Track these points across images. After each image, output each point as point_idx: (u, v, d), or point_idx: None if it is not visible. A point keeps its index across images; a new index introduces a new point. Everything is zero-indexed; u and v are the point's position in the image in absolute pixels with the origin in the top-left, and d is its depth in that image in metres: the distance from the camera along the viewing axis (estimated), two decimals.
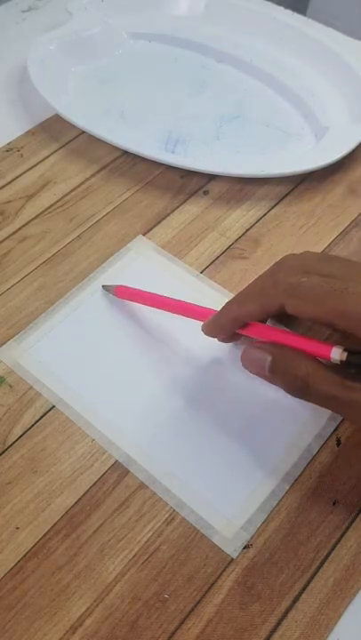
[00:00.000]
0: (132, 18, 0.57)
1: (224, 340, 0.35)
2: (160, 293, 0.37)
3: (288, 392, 0.30)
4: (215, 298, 0.39)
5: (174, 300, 0.36)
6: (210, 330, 0.34)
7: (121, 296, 0.38)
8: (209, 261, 0.42)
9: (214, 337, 0.34)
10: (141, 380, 0.36)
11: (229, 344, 0.37)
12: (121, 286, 0.38)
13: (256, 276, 0.39)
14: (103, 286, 0.39)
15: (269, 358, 0.30)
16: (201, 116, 0.50)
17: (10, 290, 0.40)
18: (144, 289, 0.38)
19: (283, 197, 0.45)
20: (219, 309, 0.33)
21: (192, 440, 0.34)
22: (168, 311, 0.36)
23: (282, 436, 0.34)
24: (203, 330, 0.34)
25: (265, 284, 0.31)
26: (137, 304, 0.38)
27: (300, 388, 0.30)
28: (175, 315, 0.36)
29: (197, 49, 0.55)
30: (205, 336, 0.34)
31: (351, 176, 0.47)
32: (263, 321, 0.33)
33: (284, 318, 0.37)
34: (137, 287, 0.38)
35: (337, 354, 0.29)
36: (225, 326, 0.33)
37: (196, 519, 0.31)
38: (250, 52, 0.54)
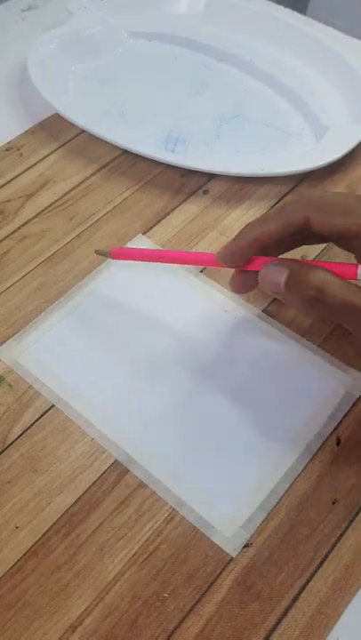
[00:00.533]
0: (132, 17, 0.57)
1: (237, 284, 0.34)
2: (156, 295, 0.36)
3: (303, 308, 0.29)
4: (215, 297, 0.39)
5: (172, 251, 0.35)
6: (225, 255, 0.32)
7: (118, 257, 0.37)
8: None
9: (229, 265, 0.33)
10: (141, 379, 0.36)
11: (227, 342, 0.37)
12: (117, 247, 0.37)
13: None
14: (96, 251, 0.38)
15: (286, 273, 0.30)
16: (201, 116, 0.50)
17: (9, 289, 0.40)
18: (144, 289, 0.38)
19: (283, 197, 0.45)
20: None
21: (192, 439, 0.34)
22: (169, 262, 0.35)
23: (282, 435, 0.34)
24: (218, 257, 0.33)
25: (287, 203, 0.31)
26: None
27: (315, 299, 0.28)
28: (178, 264, 0.35)
29: (197, 48, 0.55)
30: (202, 335, 0.34)
31: (351, 176, 0.47)
32: (282, 246, 0.32)
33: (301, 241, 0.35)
34: (135, 281, 0.38)
35: None
36: (242, 249, 0.32)
37: (195, 518, 0.31)
38: (250, 52, 0.54)
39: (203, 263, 0.35)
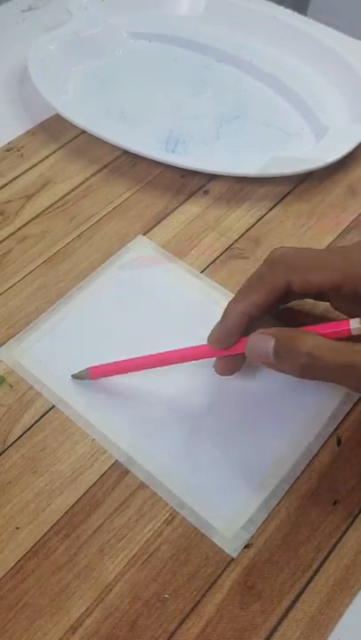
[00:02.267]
0: (133, 18, 0.57)
1: (223, 367, 0.34)
2: (157, 296, 0.36)
3: (296, 374, 0.29)
4: (216, 297, 0.39)
5: (162, 353, 0.34)
6: (218, 337, 0.32)
7: (94, 377, 0.35)
8: (209, 261, 0.41)
9: (223, 346, 0.32)
10: (141, 379, 0.36)
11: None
12: (89, 368, 0.35)
13: None
14: (73, 376, 0.35)
15: (272, 342, 0.29)
16: (201, 116, 0.50)
17: (10, 289, 0.40)
18: (145, 290, 0.38)
19: (283, 197, 0.45)
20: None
21: (192, 440, 0.34)
22: (160, 365, 0.34)
23: (282, 435, 0.34)
24: (210, 341, 0.32)
25: (263, 271, 0.32)
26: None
27: (306, 365, 0.28)
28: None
29: (198, 49, 0.55)
30: (202, 336, 0.34)
31: (351, 176, 0.47)
32: (271, 309, 0.32)
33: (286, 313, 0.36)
34: (135, 283, 0.37)
35: (356, 322, 0.29)
36: (233, 328, 0.32)
37: (196, 519, 0.31)
38: (250, 52, 0.54)
39: (198, 357, 0.33)
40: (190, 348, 0.33)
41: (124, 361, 0.34)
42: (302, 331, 0.30)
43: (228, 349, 0.32)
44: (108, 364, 0.35)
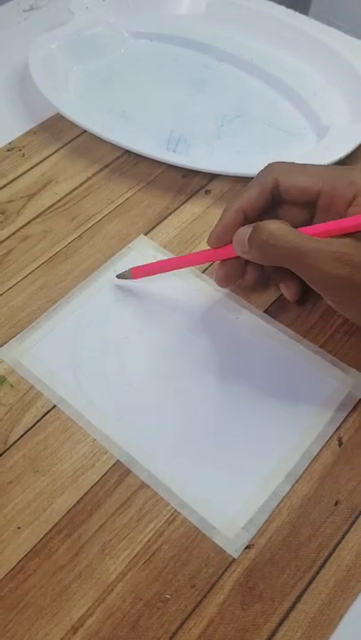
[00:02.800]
0: (134, 17, 0.57)
1: (221, 276, 0.36)
2: (158, 295, 0.37)
3: (259, 255, 0.32)
4: (217, 298, 0.39)
5: (185, 256, 0.38)
6: (216, 234, 0.35)
7: (138, 276, 0.39)
8: None
9: (221, 243, 0.35)
10: (143, 379, 0.36)
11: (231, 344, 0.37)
12: (133, 268, 0.39)
13: None
14: (117, 276, 0.39)
15: (251, 228, 0.32)
16: (202, 116, 0.50)
17: (11, 289, 0.40)
18: (146, 289, 0.38)
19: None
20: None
21: (194, 440, 0.34)
22: (187, 266, 0.38)
23: (283, 436, 0.34)
24: (209, 241, 0.35)
25: (258, 174, 0.35)
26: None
27: (265, 244, 0.31)
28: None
29: (199, 48, 0.55)
30: (203, 336, 0.34)
31: None
32: (263, 208, 0.35)
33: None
34: (136, 283, 0.38)
35: None
36: (229, 222, 0.34)
37: (197, 519, 0.31)
38: (251, 52, 0.54)
39: (217, 256, 0.36)
40: (195, 253, 0.37)
41: (159, 261, 0.39)
42: (279, 221, 0.32)
43: (226, 249, 0.35)
44: (147, 265, 0.38)
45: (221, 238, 0.35)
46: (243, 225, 0.34)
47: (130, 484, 0.32)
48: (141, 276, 0.39)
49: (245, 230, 0.33)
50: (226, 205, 0.35)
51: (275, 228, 0.31)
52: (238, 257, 0.35)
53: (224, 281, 0.37)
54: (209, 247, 0.36)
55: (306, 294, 0.38)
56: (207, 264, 0.41)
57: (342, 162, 0.46)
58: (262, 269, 0.36)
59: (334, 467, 0.33)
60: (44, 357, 0.37)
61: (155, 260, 0.40)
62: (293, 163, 0.35)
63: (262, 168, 0.35)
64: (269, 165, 0.35)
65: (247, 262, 0.36)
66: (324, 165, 0.36)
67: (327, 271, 0.30)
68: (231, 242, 0.34)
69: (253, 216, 0.35)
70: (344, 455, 0.33)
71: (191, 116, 0.50)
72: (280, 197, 0.35)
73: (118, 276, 0.39)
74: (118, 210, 0.44)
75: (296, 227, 0.32)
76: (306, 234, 0.31)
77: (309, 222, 0.35)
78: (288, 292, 0.37)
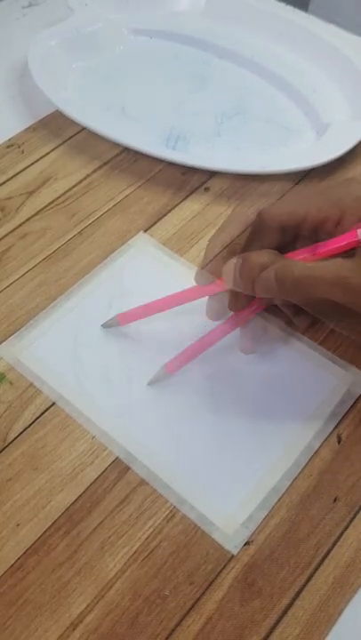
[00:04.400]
0: (133, 14, 0.57)
1: (215, 310, 0.35)
2: (158, 294, 0.36)
3: (252, 291, 0.30)
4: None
5: (172, 295, 0.36)
6: (200, 274, 0.34)
7: (124, 322, 0.37)
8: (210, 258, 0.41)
9: (206, 282, 0.34)
10: (142, 376, 0.36)
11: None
12: (120, 314, 0.37)
13: None
14: (103, 325, 0.37)
15: (239, 262, 0.30)
16: (202, 113, 0.50)
17: (10, 286, 0.40)
18: (145, 287, 0.38)
19: (284, 194, 0.45)
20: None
21: (193, 437, 0.34)
22: (174, 306, 0.36)
23: (283, 432, 0.34)
24: (197, 280, 0.34)
25: (236, 209, 0.35)
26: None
27: (257, 276, 0.29)
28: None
29: (198, 45, 0.55)
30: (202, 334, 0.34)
31: (352, 172, 0.47)
32: (248, 239, 0.33)
33: None
34: (135, 280, 0.38)
35: None
36: (211, 252, 0.34)
37: (196, 516, 0.31)
38: (251, 49, 0.54)
39: (191, 296, 0.35)
40: (182, 291, 0.35)
41: (146, 304, 0.36)
42: (267, 251, 0.30)
43: (214, 285, 0.34)
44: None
45: (207, 275, 0.34)
46: (229, 258, 0.32)
47: (129, 480, 0.32)
48: (128, 322, 0.37)
49: (234, 263, 0.31)
50: (207, 246, 0.35)
51: (264, 259, 0.29)
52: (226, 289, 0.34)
53: (214, 315, 0.36)
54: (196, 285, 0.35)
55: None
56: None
57: (343, 159, 0.46)
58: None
59: (333, 463, 0.33)
60: (44, 354, 0.37)
61: (141, 305, 0.37)
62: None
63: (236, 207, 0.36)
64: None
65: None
66: (315, 189, 0.34)
67: (326, 297, 0.28)
68: (215, 278, 0.33)
69: (238, 247, 0.33)
70: (343, 452, 0.33)
71: (191, 114, 0.50)
72: (265, 226, 0.33)
73: (104, 325, 0.37)
74: (118, 207, 0.44)
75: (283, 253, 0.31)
76: (295, 259, 0.30)
77: (293, 249, 0.33)
78: (300, 321, 0.35)
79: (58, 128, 0.49)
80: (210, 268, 0.34)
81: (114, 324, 0.37)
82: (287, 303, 0.33)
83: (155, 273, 0.40)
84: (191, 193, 0.45)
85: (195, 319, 0.38)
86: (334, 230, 0.31)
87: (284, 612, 0.29)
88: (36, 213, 0.44)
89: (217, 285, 0.34)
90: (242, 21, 0.56)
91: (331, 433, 0.34)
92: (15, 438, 0.34)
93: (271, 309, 0.36)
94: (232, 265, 0.31)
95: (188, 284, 0.40)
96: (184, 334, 0.37)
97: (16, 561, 0.30)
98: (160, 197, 0.45)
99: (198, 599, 0.29)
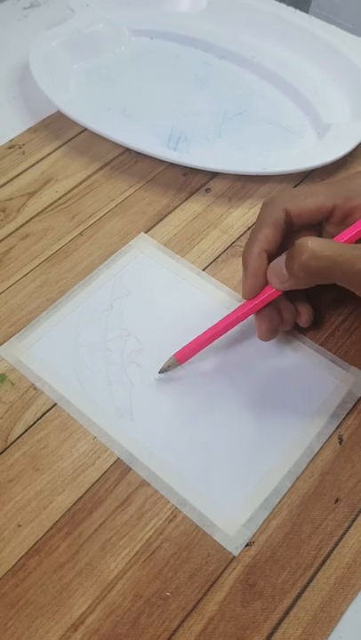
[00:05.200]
0: (134, 15, 0.57)
1: (268, 328, 0.34)
2: (159, 295, 0.36)
3: (302, 277, 0.30)
4: (217, 296, 0.39)
5: (225, 319, 0.35)
6: (249, 286, 0.33)
7: (183, 360, 0.35)
8: (211, 259, 0.41)
9: (253, 292, 0.33)
10: (143, 377, 0.36)
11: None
12: (176, 353, 0.35)
13: None
14: (160, 372, 0.35)
15: (283, 258, 0.31)
16: (203, 113, 0.50)
17: (12, 287, 0.40)
18: (146, 287, 0.38)
19: None
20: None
21: (194, 437, 0.34)
22: (230, 329, 0.35)
23: (284, 433, 0.34)
24: (244, 295, 0.34)
25: (261, 211, 0.34)
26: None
27: (306, 263, 0.29)
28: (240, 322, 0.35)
29: (199, 46, 0.55)
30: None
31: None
32: (280, 244, 0.33)
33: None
34: (137, 280, 0.38)
35: None
36: (257, 269, 0.33)
37: (198, 517, 0.31)
38: (252, 49, 0.54)
39: (249, 312, 0.34)
40: (234, 311, 0.34)
41: (198, 337, 0.35)
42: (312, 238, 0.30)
43: (263, 296, 0.33)
44: (188, 345, 0.35)
45: (255, 287, 0.33)
46: (267, 264, 0.33)
47: (130, 481, 0.32)
48: (187, 359, 0.35)
49: (279, 261, 0.32)
50: (243, 254, 0.34)
51: (313, 244, 0.29)
52: (273, 306, 0.34)
53: (268, 334, 0.35)
54: (244, 300, 0.34)
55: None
56: (209, 261, 0.41)
57: (344, 160, 0.46)
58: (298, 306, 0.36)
59: (335, 464, 0.33)
60: (45, 355, 0.37)
61: (193, 338, 0.35)
62: (294, 189, 0.34)
63: (264, 204, 0.34)
64: (272, 199, 0.34)
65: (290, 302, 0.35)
66: (325, 182, 0.35)
67: None
68: (264, 287, 0.33)
69: (275, 254, 0.33)
70: (345, 453, 0.33)
71: (192, 114, 0.50)
72: (292, 226, 0.34)
73: (161, 371, 0.35)
74: (119, 208, 0.44)
75: None
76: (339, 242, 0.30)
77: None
78: (301, 318, 0.36)
79: (59, 129, 0.49)
80: (254, 280, 0.33)
81: (172, 365, 0.35)
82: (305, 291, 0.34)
83: (156, 274, 0.40)
84: (192, 194, 0.45)
85: (193, 319, 0.38)
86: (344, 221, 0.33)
87: (286, 613, 0.29)
88: (37, 214, 0.44)
89: (266, 294, 0.33)
90: (243, 22, 0.56)
91: (332, 434, 0.34)
92: (16, 439, 0.34)
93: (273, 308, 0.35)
94: (277, 264, 0.32)
95: (189, 284, 0.40)
96: (187, 330, 0.37)
97: (17, 562, 0.30)
98: (161, 198, 0.45)
99: (200, 600, 0.29)
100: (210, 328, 0.35)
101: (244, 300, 0.34)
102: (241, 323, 0.35)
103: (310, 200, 0.33)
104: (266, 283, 0.33)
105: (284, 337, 0.37)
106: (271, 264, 0.32)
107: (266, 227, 0.33)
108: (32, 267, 0.41)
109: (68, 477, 0.32)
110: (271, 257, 0.33)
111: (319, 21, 0.55)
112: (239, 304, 0.39)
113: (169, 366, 0.35)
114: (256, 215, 0.44)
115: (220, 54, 0.55)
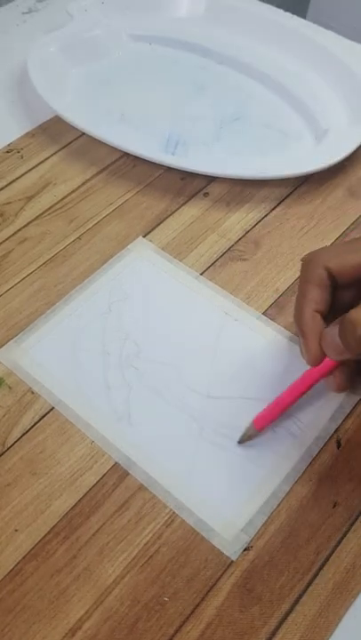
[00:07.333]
0: (133, 20, 0.57)
1: (340, 382, 0.32)
2: (157, 299, 0.36)
3: (359, 351, 0.29)
4: (214, 300, 0.39)
5: (295, 385, 0.33)
6: (311, 354, 0.31)
7: (260, 426, 0.33)
8: (209, 263, 0.41)
9: (318, 358, 0.31)
10: (140, 381, 0.36)
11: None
12: (255, 420, 0.33)
13: (256, 278, 0.39)
14: (240, 441, 0.34)
15: (337, 327, 0.29)
16: (201, 118, 0.50)
17: (9, 291, 0.40)
18: (144, 292, 0.38)
19: (283, 199, 0.45)
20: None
21: (191, 442, 0.34)
22: (303, 394, 0.33)
23: (282, 436, 0.34)
24: (310, 362, 0.31)
25: (302, 274, 0.32)
26: None
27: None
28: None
29: (198, 51, 0.55)
30: (201, 337, 0.34)
31: (351, 178, 0.47)
32: (329, 303, 0.32)
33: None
34: (135, 285, 0.37)
35: None
36: (313, 331, 0.31)
37: (195, 521, 0.31)
38: (250, 54, 0.54)
39: (317, 378, 0.32)
40: (301, 378, 0.33)
41: (275, 403, 0.33)
42: None
43: (328, 362, 0.31)
44: (265, 411, 0.33)
45: (318, 352, 0.31)
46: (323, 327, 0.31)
47: (128, 486, 0.32)
48: (264, 426, 0.33)
49: (331, 332, 0.30)
50: (296, 318, 0.32)
51: None
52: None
53: (341, 388, 0.33)
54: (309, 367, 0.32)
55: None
56: (207, 265, 0.41)
57: (342, 164, 0.46)
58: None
59: (333, 468, 0.33)
60: (43, 359, 0.36)
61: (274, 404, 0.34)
62: (332, 246, 0.33)
63: (304, 262, 0.33)
64: (311, 257, 0.32)
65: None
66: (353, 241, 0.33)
67: None
68: (315, 336, 0.31)
69: (326, 313, 0.32)
70: (343, 457, 0.33)
71: (190, 119, 0.50)
72: (336, 283, 0.32)
73: (241, 441, 0.33)
74: (117, 212, 0.44)
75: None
76: None
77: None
78: (336, 382, 0.33)
79: (57, 133, 0.49)
80: (315, 345, 0.31)
81: (253, 434, 0.33)
82: None
83: (154, 278, 0.40)
84: (190, 198, 0.45)
85: (190, 319, 0.38)
86: None
87: (284, 618, 0.29)
88: (36, 218, 0.44)
89: (330, 362, 0.31)
90: (241, 27, 0.56)
91: (330, 438, 0.34)
92: (14, 443, 0.34)
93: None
94: (330, 336, 0.30)
95: (187, 288, 0.40)
96: (185, 333, 0.37)
97: (14, 567, 0.30)
98: (159, 202, 0.45)
99: (198, 605, 0.29)
100: (285, 394, 0.33)
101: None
102: (239, 332, 0.35)
103: (352, 257, 0.31)
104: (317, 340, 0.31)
105: (282, 341, 0.37)
106: (324, 334, 0.31)
107: (312, 288, 0.32)
108: (30, 270, 0.41)
109: (66, 482, 0.32)
110: (323, 316, 0.32)
111: (317, 27, 0.56)
112: (237, 308, 0.39)
113: (250, 437, 0.33)
114: (254, 219, 0.44)
115: (218, 59, 0.55)
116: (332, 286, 0.32)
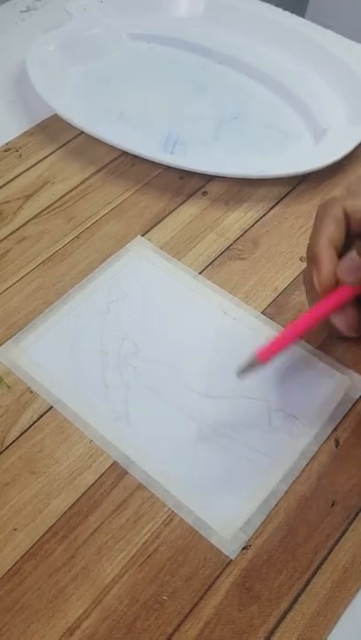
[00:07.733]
0: (132, 19, 0.57)
1: (347, 322, 0.32)
2: (155, 298, 0.36)
3: None
4: (213, 299, 0.39)
5: (303, 317, 0.32)
6: (323, 276, 0.31)
7: (264, 359, 0.32)
8: (207, 262, 0.41)
9: (330, 281, 0.31)
10: (139, 380, 0.36)
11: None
12: (258, 352, 0.32)
13: (255, 277, 0.39)
14: (240, 374, 0.32)
15: (354, 253, 0.30)
16: (200, 117, 0.50)
17: (8, 290, 0.40)
18: (143, 291, 0.38)
19: (281, 198, 0.45)
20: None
21: (190, 441, 0.34)
22: (311, 327, 0.32)
23: (280, 436, 0.34)
24: (319, 287, 0.31)
25: (318, 215, 0.32)
26: None
27: None
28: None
29: (197, 50, 0.55)
30: (200, 337, 0.34)
31: (350, 177, 0.47)
32: (343, 242, 0.32)
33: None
34: (134, 284, 0.37)
35: None
36: (327, 257, 0.31)
37: (194, 520, 0.31)
38: (249, 54, 0.54)
39: (325, 312, 0.32)
40: (309, 312, 0.32)
41: (279, 336, 0.32)
42: None
43: (339, 292, 0.31)
44: (269, 343, 0.32)
45: (330, 276, 0.31)
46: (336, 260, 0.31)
47: (127, 485, 0.32)
48: (268, 359, 0.32)
49: (348, 258, 0.30)
50: (310, 248, 0.32)
51: None
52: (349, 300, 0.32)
53: (352, 328, 0.32)
54: (319, 298, 0.32)
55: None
56: (205, 264, 0.41)
57: (340, 164, 0.46)
58: None
59: (331, 467, 0.33)
60: (41, 358, 0.36)
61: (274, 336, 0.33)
62: (348, 192, 0.33)
63: (321, 205, 0.33)
64: (327, 199, 0.33)
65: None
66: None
67: None
68: (338, 284, 0.31)
69: (340, 252, 0.32)
70: (341, 456, 0.33)
71: (189, 118, 0.50)
72: (349, 227, 0.32)
73: (240, 372, 0.32)
74: (115, 211, 0.44)
75: None
76: None
77: None
78: (347, 320, 0.33)
79: (56, 132, 0.49)
80: (328, 273, 0.31)
81: (253, 365, 0.32)
82: None
83: (152, 277, 0.40)
84: (189, 197, 0.45)
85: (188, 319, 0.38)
86: None
87: (283, 617, 0.29)
88: (34, 217, 0.44)
89: (341, 293, 0.31)
90: (240, 27, 0.56)
91: (328, 437, 0.34)
92: (12, 442, 0.34)
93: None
94: (349, 259, 0.30)
95: (186, 287, 0.40)
96: (184, 333, 0.37)
97: (13, 566, 0.30)
98: (158, 201, 0.45)
99: (196, 604, 0.29)
100: (292, 325, 0.32)
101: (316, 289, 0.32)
102: (237, 332, 0.34)
103: None
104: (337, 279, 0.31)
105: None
106: (342, 262, 0.31)
107: (328, 222, 0.32)
108: (28, 270, 0.41)
109: (64, 481, 0.32)
110: (339, 253, 0.32)
111: (316, 26, 0.56)
112: (236, 308, 0.39)
113: (250, 369, 0.31)
114: (253, 219, 0.44)
115: (218, 59, 0.55)
116: (345, 226, 0.32)
